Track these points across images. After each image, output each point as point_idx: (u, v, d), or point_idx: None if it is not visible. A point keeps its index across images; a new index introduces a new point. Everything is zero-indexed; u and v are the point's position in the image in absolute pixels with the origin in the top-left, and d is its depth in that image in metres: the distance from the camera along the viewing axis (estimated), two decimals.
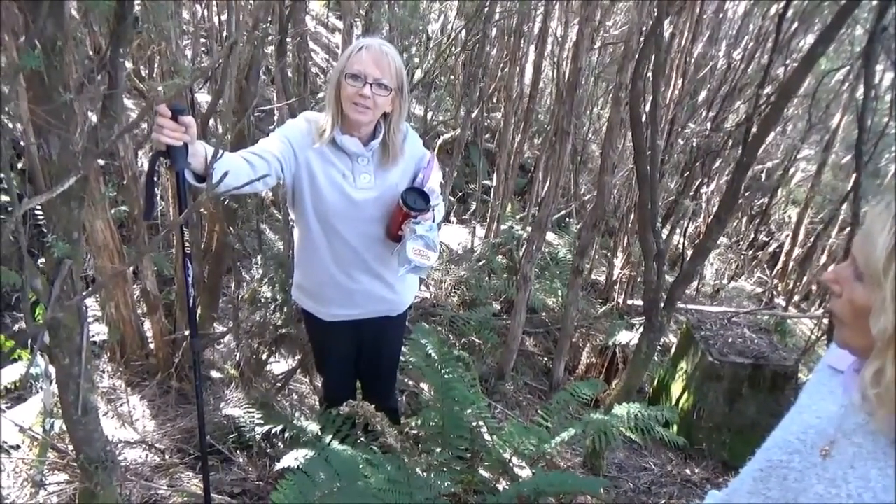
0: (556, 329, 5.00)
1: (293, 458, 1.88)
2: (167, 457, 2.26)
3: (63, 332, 1.41)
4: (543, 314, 5.54)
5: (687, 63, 6.46)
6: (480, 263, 5.59)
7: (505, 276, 5.58)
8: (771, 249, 9.50)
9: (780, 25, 2.96)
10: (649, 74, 3.19)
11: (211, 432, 2.36)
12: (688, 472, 3.76)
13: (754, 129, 2.71)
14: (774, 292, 8.07)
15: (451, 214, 7.77)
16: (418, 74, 6.88)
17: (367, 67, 1.84)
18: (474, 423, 2.50)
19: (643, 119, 3.10)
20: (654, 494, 3.20)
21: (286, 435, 2.08)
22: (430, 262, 1.97)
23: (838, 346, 0.91)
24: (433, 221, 2.03)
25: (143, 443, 2.30)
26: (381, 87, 1.86)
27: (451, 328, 4.65)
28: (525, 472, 2.57)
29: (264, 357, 2.66)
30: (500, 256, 5.74)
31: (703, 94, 7.39)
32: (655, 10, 3.14)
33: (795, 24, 6.03)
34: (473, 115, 7.46)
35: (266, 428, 2.15)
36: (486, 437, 2.51)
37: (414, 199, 1.96)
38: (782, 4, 2.87)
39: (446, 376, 2.31)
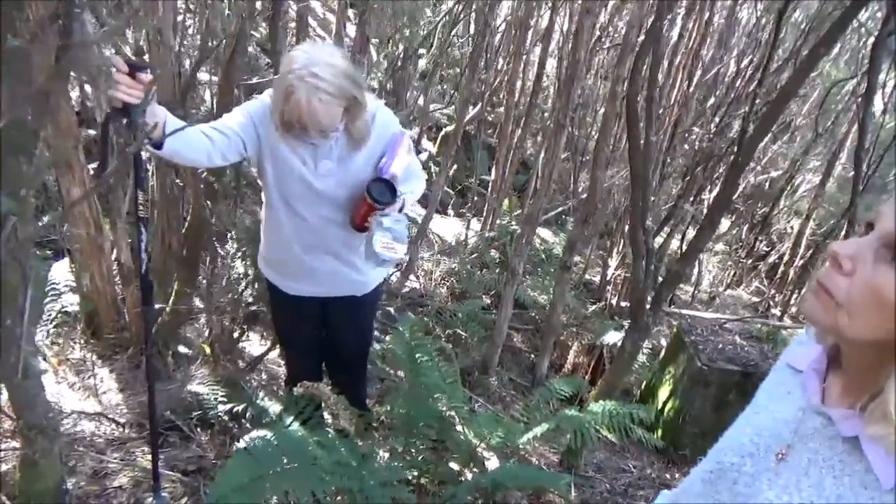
0: (545, 326, 4.94)
1: (252, 438, 1.83)
2: (126, 430, 2.21)
3: (5, 292, 1.36)
4: (533, 311, 5.48)
5: (693, 66, 6.39)
6: (472, 256, 5.53)
7: (497, 270, 5.52)
8: (771, 260, 9.42)
9: (779, 23, 2.88)
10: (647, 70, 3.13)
11: (174, 408, 2.32)
12: (668, 476, 3.70)
13: (750, 129, 2.64)
14: (771, 302, 8.00)
15: (449, 207, 7.72)
16: (422, 64, 6.81)
17: (304, 119, 1.71)
18: (446, 413, 2.45)
19: (639, 114, 3.03)
20: (629, 497, 3.14)
21: (248, 414, 2.02)
22: (399, 255, 1.90)
23: (815, 334, 0.82)
24: (401, 211, 1.96)
25: (101, 415, 2.25)
26: (329, 125, 1.77)
27: (437, 319, 4.59)
28: (495, 462, 2.52)
29: (236, 335, 2.61)
30: (494, 251, 5.68)
31: (710, 101, 7.33)
32: (656, 5, 3.07)
33: (804, 32, 5.96)
34: (475, 108, 7.41)
35: (229, 406, 2.10)
36: (458, 427, 2.45)
37: (380, 192, 1.88)
38: (783, 4, 2.80)
39: (421, 363, 2.25)
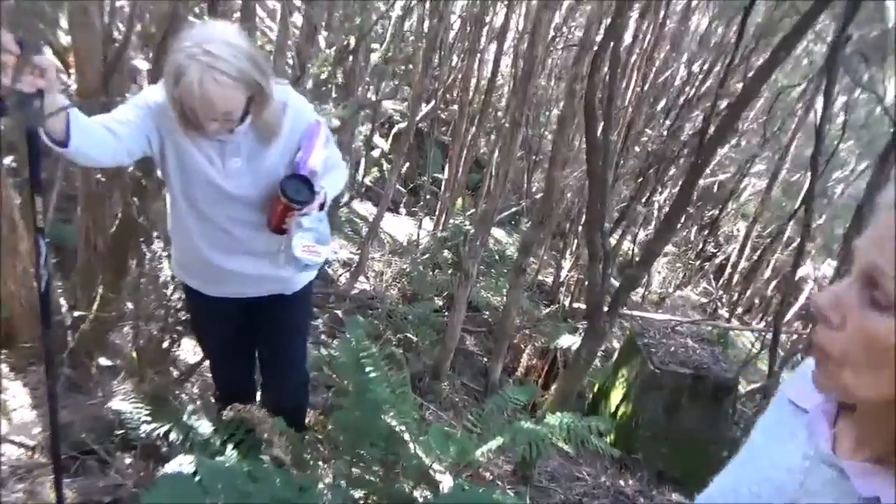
0: (498, 330, 4.84)
1: (178, 464, 1.64)
2: (35, 455, 1.98)
3: None
4: (486, 313, 5.38)
5: (648, 67, 6.40)
6: (425, 257, 5.39)
7: (450, 271, 5.39)
8: (718, 261, 9.59)
9: (744, 23, 2.84)
10: (607, 69, 3.04)
11: (93, 428, 2.09)
12: (622, 482, 3.64)
13: (711, 130, 2.58)
14: (719, 303, 8.12)
15: (402, 206, 7.56)
16: (374, 59, 6.63)
17: (197, 105, 1.49)
18: (396, 427, 2.30)
19: (598, 114, 2.94)
20: None
21: (172, 436, 1.82)
22: (322, 258, 1.73)
23: (821, 393, 0.69)
24: (322, 209, 1.78)
25: (5, 439, 2.00)
26: (227, 114, 1.54)
27: (388, 322, 4.43)
28: (448, 480, 2.38)
29: (166, 344, 2.38)
30: (447, 251, 5.55)
31: (661, 103, 7.38)
32: (615, 3, 2.99)
33: (756, 38, 6.03)
34: (429, 105, 7.27)
35: (153, 426, 1.89)
36: (410, 443, 2.31)
37: (296, 190, 1.68)
38: (749, 3, 2.75)
39: (369, 375, 2.09)
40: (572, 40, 7.08)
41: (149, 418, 1.89)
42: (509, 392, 2.78)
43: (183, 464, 1.65)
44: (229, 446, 1.65)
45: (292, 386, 2.18)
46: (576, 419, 2.36)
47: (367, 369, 2.08)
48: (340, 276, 4.92)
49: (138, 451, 1.97)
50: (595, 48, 2.86)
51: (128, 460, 2.00)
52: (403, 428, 2.27)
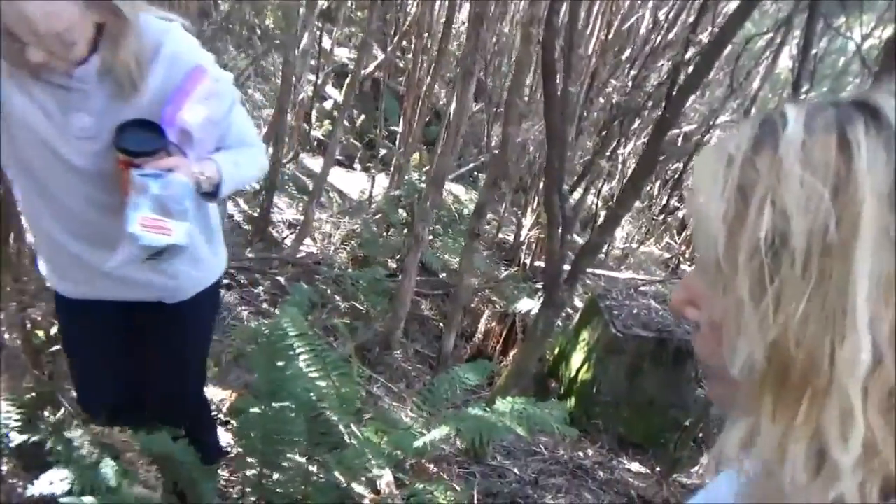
0: (451, 298, 4.61)
1: (48, 483, 1.36)
2: None
3: None
4: (444, 275, 5.13)
5: (613, 14, 6.07)
6: (377, 217, 5.08)
7: (405, 232, 5.11)
8: (681, 214, 9.47)
9: None
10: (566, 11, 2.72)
11: None
12: (580, 454, 3.49)
13: (681, 80, 2.30)
14: (681, 258, 8.03)
15: (356, 161, 7.18)
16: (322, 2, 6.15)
17: (17, 23, 1.07)
18: (330, 419, 2.05)
19: (556, 62, 2.64)
20: (540, 487, 2.88)
21: (49, 447, 1.53)
22: (174, 237, 1.23)
23: (723, 410, 0.56)
24: (215, 198, 1.38)
25: None
26: (57, 37, 1.11)
27: (336, 288, 4.15)
28: (388, 475, 2.15)
29: (54, 332, 2.05)
30: (402, 210, 5.25)
31: (626, 53, 7.08)
32: None
33: None
34: (385, 52, 6.83)
35: (25, 437, 1.59)
36: (346, 437, 2.06)
37: (136, 138, 1.23)
38: None
39: (285, 369, 1.80)
40: None
41: (19, 426, 1.59)
42: (459, 372, 2.55)
43: (54, 482, 1.37)
44: (107, 463, 1.37)
45: (181, 410, 1.76)
46: (528, 404, 2.14)
47: (281, 363, 1.79)
48: (285, 238, 4.59)
49: (5, 466, 1.67)
50: None
51: (3, 468, 1.70)
52: (336, 419, 2.02)
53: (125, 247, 1.23)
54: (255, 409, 1.65)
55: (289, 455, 1.66)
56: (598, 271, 5.91)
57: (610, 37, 5.98)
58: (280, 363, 1.77)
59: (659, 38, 6.72)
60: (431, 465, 2.45)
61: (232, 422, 2.24)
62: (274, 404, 1.65)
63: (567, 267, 2.97)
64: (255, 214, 4.49)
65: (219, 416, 2.51)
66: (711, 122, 7.57)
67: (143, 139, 1.24)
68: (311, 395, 1.84)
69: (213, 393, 2.47)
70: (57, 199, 1.35)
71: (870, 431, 0.42)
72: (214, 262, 1.63)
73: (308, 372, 1.98)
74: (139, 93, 1.26)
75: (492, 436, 2.19)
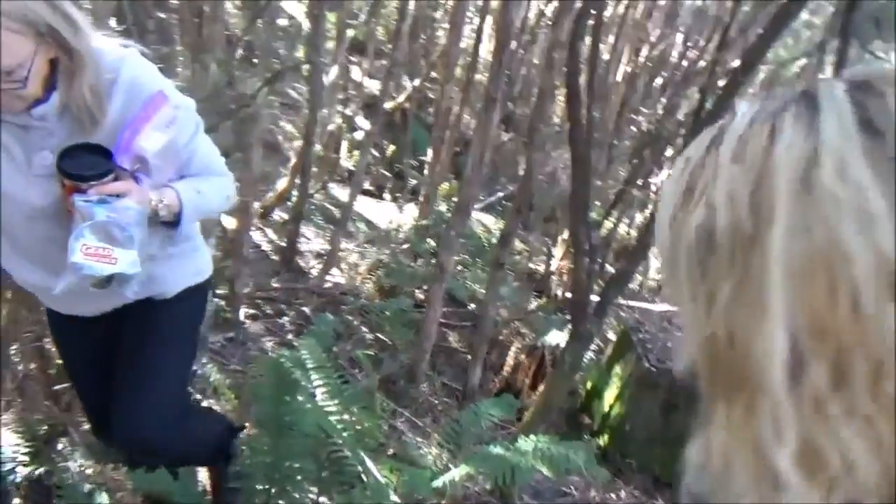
0: (476, 331, 4.52)
1: None
2: None
3: None
4: (472, 306, 5.04)
5: (641, 41, 6.03)
6: (404, 247, 5.04)
7: (432, 262, 5.05)
8: None
9: None
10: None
11: None
12: (613, 496, 3.33)
13: (707, 107, 2.22)
14: None
15: (385, 191, 7.19)
16: (350, 33, 6.25)
17: None
18: (346, 454, 1.97)
19: (580, 87, 2.58)
20: None
21: (55, 481, 1.48)
22: (120, 267, 1.17)
23: None
24: (177, 227, 1.32)
25: None
26: (8, 72, 1.08)
27: (362, 319, 4.10)
28: None
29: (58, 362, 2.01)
30: (430, 240, 5.20)
31: (657, 80, 7.02)
32: None
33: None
34: (414, 83, 6.89)
35: (31, 470, 1.55)
36: (363, 474, 1.98)
37: (80, 162, 1.18)
38: None
39: (291, 403, 1.73)
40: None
41: (27, 459, 1.55)
42: (483, 407, 2.46)
43: None
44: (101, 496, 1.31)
45: (144, 416, 1.53)
46: (553, 443, 2.03)
47: (287, 397, 1.72)
48: (311, 268, 4.58)
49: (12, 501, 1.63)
50: (577, 11, 2.50)
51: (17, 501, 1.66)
52: (349, 456, 1.94)
53: (67, 275, 1.19)
54: (260, 445, 1.58)
55: (296, 494, 1.58)
56: (631, 303, 5.75)
57: (640, 63, 5.93)
58: (287, 397, 1.71)
59: (689, 65, 6.65)
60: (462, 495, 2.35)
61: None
62: (281, 440, 1.58)
63: (596, 298, 2.87)
64: (283, 244, 4.50)
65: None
66: None
67: (87, 163, 1.20)
68: (323, 430, 1.77)
69: None
70: (13, 237, 1.32)
71: (808, 435, 0.38)
72: (186, 264, 1.57)
73: (322, 406, 1.91)
74: (100, 125, 1.23)
75: (515, 476, 2.09)
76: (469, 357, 4.39)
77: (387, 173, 7.45)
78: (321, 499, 1.74)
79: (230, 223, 3.67)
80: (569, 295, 5.56)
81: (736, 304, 0.41)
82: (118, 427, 1.52)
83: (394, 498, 1.90)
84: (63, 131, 1.24)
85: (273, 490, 1.56)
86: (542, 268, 6.24)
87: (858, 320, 0.36)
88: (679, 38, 7.27)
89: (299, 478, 1.59)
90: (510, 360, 4.65)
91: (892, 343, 0.35)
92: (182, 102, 1.33)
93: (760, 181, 0.41)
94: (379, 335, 3.83)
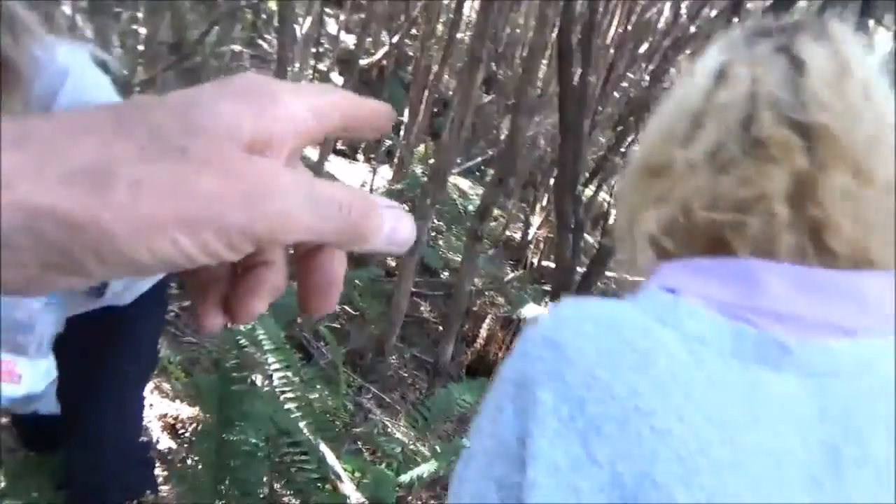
0: (450, 305, 4.34)
1: None
2: None
3: None
4: (446, 274, 4.86)
5: (632, 7, 5.77)
6: None
7: None
8: None
9: None
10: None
11: None
12: None
13: None
14: None
15: (359, 151, 6.91)
16: None
17: None
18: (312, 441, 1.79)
19: (574, 49, 2.35)
20: None
21: None
22: (26, 386, 0.89)
23: None
24: (102, 296, 1.07)
25: None
26: None
27: None
28: None
29: None
30: (403, 205, 4.97)
31: (644, 46, 6.78)
32: None
33: None
34: (395, 39, 6.55)
35: None
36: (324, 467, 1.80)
37: None
38: None
39: (249, 389, 1.53)
40: None
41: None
42: (455, 391, 2.30)
43: None
44: None
45: (86, 456, 1.32)
46: None
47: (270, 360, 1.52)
48: None
49: None
50: None
51: None
52: (315, 450, 1.76)
53: None
54: (206, 444, 1.38)
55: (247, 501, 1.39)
56: (611, 274, 5.62)
57: (629, 28, 5.68)
58: (235, 388, 1.50)
59: (679, 31, 6.42)
60: (425, 494, 2.20)
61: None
62: (227, 437, 1.39)
63: (581, 270, 2.70)
64: None
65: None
66: None
67: None
68: (277, 426, 1.58)
69: (176, 409, 2.21)
70: None
71: None
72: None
73: (279, 393, 1.72)
74: None
75: None
76: (441, 328, 4.23)
77: None
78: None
79: None
80: (547, 264, 5.41)
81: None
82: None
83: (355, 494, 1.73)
84: None
85: (219, 497, 1.37)
86: (518, 236, 6.07)
87: None
88: (669, 3, 7.02)
89: (248, 479, 1.40)
90: (483, 332, 4.50)
91: None
92: None
93: None
94: (346, 307, 3.63)
